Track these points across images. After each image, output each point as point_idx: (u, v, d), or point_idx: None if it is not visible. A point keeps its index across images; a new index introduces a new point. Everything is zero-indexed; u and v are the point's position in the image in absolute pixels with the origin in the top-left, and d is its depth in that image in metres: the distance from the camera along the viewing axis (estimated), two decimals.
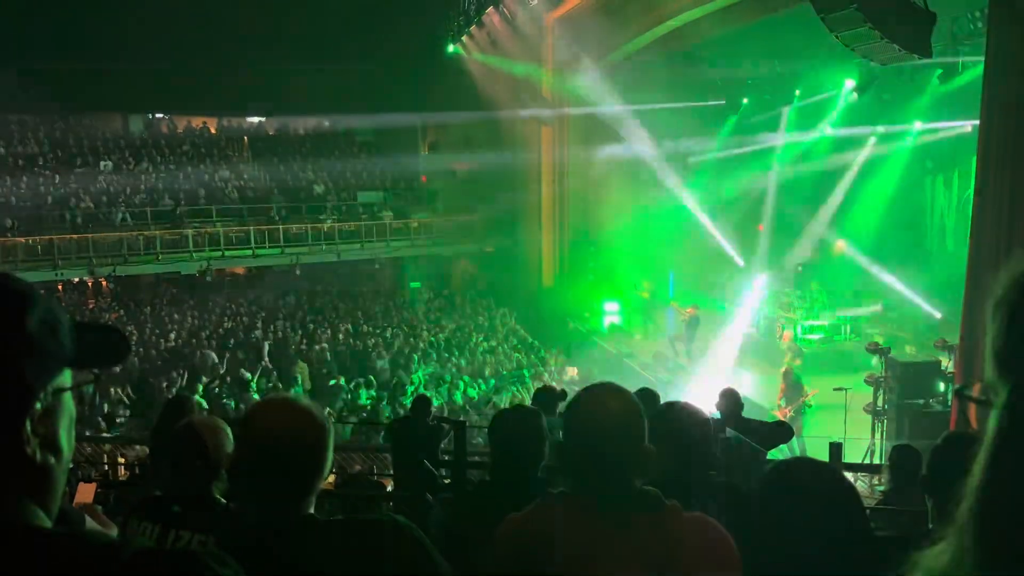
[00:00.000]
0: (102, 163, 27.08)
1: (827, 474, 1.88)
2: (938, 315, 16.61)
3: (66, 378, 1.01)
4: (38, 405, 0.96)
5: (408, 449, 7.07)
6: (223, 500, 2.59)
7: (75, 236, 22.85)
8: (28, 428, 0.95)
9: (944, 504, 2.39)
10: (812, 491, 1.80)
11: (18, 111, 26.69)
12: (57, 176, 25.57)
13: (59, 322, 0.99)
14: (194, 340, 18.18)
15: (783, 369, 12.61)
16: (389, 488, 6.77)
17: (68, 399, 1.02)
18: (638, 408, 1.83)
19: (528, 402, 7.76)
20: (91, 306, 23.00)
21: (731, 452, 4.85)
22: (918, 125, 18.51)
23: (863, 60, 11.55)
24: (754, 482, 1.91)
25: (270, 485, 1.68)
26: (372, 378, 15.16)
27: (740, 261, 21.65)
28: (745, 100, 21.09)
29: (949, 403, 9.96)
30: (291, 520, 1.67)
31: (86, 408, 11.17)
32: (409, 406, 8.62)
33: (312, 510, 1.71)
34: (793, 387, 12.05)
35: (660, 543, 1.73)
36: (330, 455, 1.73)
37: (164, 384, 14.03)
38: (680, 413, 2.87)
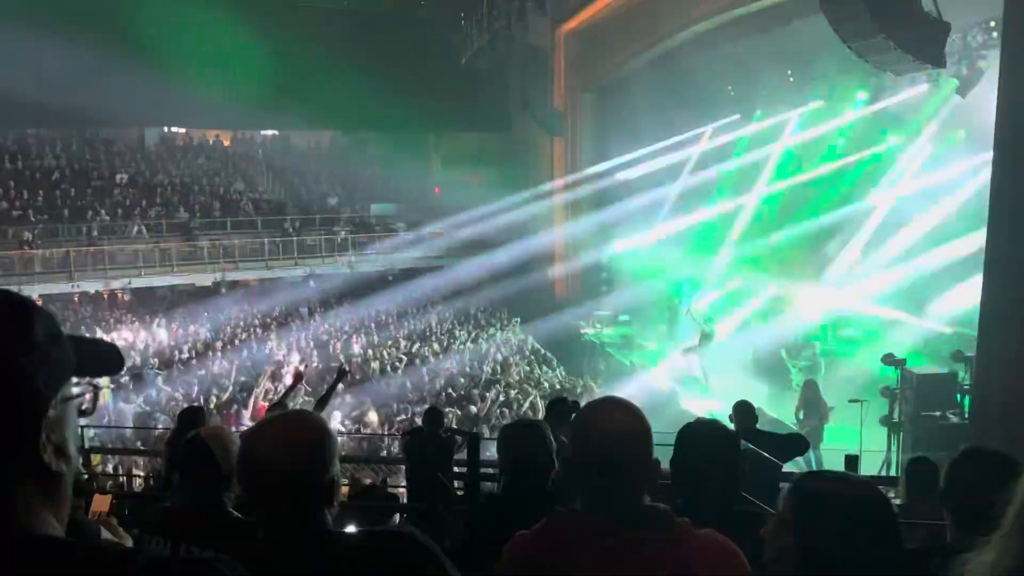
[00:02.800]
0: (118, 176, 27.31)
1: (862, 488, 1.79)
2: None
3: (69, 387, 1.02)
4: (50, 413, 0.97)
5: (422, 461, 7.05)
6: (235, 512, 2.53)
7: (91, 248, 23.07)
8: (44, 436, 0.96)
9: (962, 516, 2.36)
10: (846, 505, 1.71)
11: (35, 125, 26.93)
12: (73, 189, 25.80)
13: (61, 332, 1.01)
14: (209, 352, 18.25)
15: (805, 380, 12.58)
16: (403, 500, 6.75)
17: (73, 408, 1.03)
18: (644, 422, 1.80)
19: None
20: (107, 317, 23.10)
21: (744, 465, 4.81)
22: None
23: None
24: (782, 496, 1.83)
25: (276, 499, 1.68)
26: None
27: None
28: (759, 112, 20.90)
29: (966, 415, 9.85)
30: (305, 533, 1.66)
31: (87, 416, 11.22)
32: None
33: (330, 522, 1.70)
34: (812, 400, 11.93)
35: (671, 562, 1.69)
36: (334, 467, 1.72)
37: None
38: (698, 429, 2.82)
